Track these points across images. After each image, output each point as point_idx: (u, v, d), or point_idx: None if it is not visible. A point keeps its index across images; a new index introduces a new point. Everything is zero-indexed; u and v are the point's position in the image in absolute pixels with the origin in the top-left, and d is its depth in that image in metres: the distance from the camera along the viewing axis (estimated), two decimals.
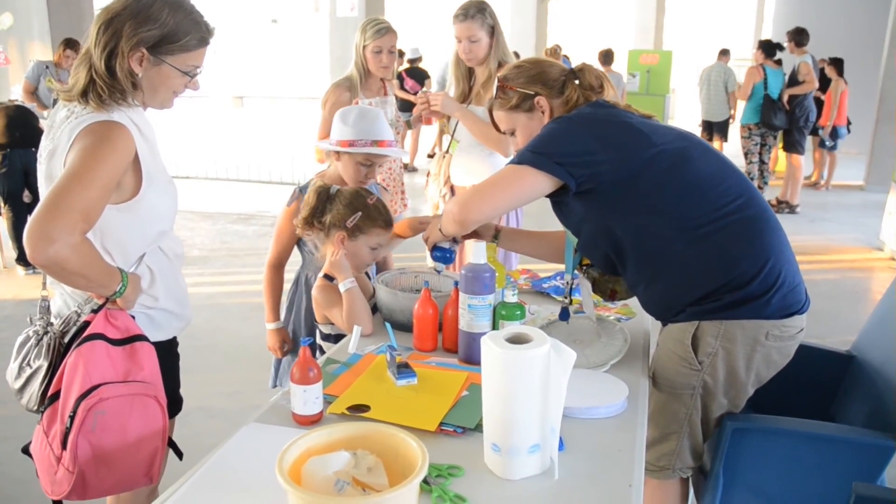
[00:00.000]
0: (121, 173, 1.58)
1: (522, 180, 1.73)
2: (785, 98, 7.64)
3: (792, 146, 7.87)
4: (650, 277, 1.80)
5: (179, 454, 1.79)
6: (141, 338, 1.63)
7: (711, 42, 9.08)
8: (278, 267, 2.49)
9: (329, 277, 2.13)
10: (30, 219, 1.44)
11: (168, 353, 1.82)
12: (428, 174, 3.48)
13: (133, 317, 1.67)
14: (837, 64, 8.91)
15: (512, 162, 1.76)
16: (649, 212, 1.74)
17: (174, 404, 1.87)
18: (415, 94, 8.81)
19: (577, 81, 1.87)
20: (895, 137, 8.23)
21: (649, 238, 1.76)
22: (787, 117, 7.70)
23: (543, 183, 1.73)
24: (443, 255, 2.06)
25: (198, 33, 1.64)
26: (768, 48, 7.67)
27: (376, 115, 2.36)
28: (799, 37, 7.64)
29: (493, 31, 3.02)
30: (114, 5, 1.59)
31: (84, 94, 1.59)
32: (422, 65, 10.34)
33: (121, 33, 1.56)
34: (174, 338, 1.87)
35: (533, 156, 1.72)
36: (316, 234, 2.17)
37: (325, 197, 2.15)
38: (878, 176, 8.76)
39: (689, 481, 1.99)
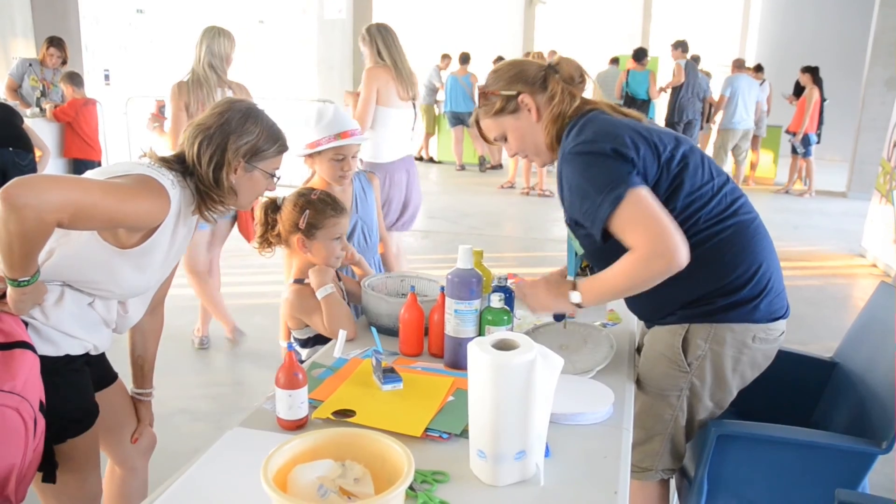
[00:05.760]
0: (131, 224, 1.60)
1: (643, 199, 1.64)
2: (654, 96, 9.07)
3: None
4: None
5: (53, 479, 1.68)
6: (25, 345, 1.55)
7: (698, 48, 9.28)
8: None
9: (300, 280, 2.13)
10: (44, 172, 1.42)
11: (64, 369, 1.69)
12: None
13: (26, 324, 1.60)
14: (813, 72, 9.04)
15: (614, 201, 1.63)
16: None
17: (78, 422, 1.74)
18: None
19: (556, 75, 1.85)
20: (877, 145, 8.33)
21: None
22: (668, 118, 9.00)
23: (648, 191, 1.65)
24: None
25: (280, 140, 1.81)
26: (637, 54, 9.28)
27: (334, 109, 2.44)
28: (678, 45, 9.14)
29: None
30: (207, 121, 1.73)
31: (164, 160, 1.70)
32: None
33: (225, 146, 1.71)
34: (74, 355, 1.73)
35: (622, 178, 1.63)
36: (275, 247, 2.20)
37: (272, 210, 2.18)
38: (860, 183, 8.88)
39: (668, 484, 2.00)
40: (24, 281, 1.51)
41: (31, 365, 1.55)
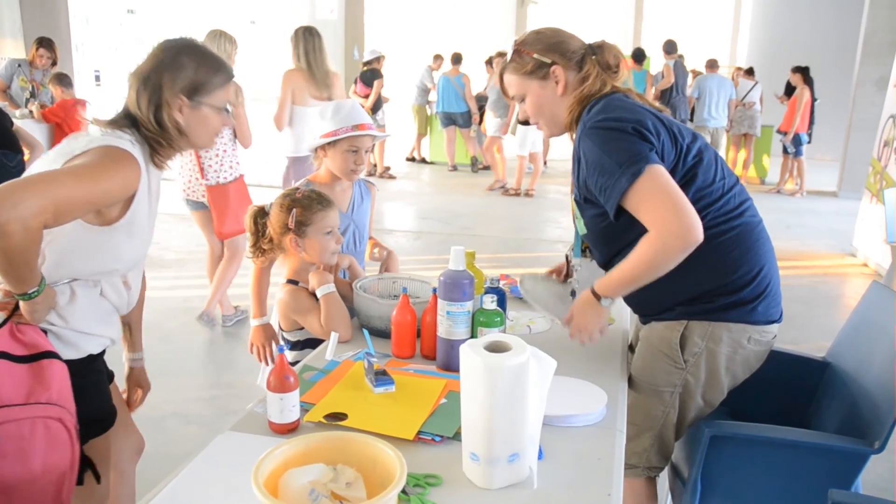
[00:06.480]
0: (111, 200, 1.57)
1: (661, 176, 1.63)
2: (650, 95, 9.34)
3: None
4: None
5: (97, 477, 1.71)
6: (50, 354, 1.55)
7: (689, 48, 9.37)
8: (268, 264, 2.48)
9: (293, 281, 2.12)
10: (9, 181, 1.39)
11: (86, 370, 1.70)
12: None
13: (45, 332, 1.59)
14: (803, 72, 9.09)
15: (632, 176, 1.62)
16: None
17: (100, 422, 1.76)
18: (365, 97, 8.90)
19: (594, 58, 1.84)
20: (867, 145, 8.38)
21: None
22: None
23: (664, 168, 1.65)
24: None
25: (224, 71, 1.74)
26: (636, 56, 9.83)
27: (352, 103, 2.45)
28: (667, 46, 9.53)
29: None
30: (143, 66, 1.67)
31: (113, 122, 1.65)
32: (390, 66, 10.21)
33: (161, 86, 1.65)
34: (95, 354, 1.74)
35: (642, 155, 1.63)
36: (272, 254, 2.19)
37: (260, 216, 2.17)
38: (851, 182, 8.93)
39: (655, 483, 2.00)
40: (33, 292, 1.51)
41: (61, 373, 1.55)
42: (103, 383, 1.81)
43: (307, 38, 4.44)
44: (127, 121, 1.67)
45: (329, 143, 2.38)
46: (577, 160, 1.82)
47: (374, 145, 2.57)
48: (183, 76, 1.66)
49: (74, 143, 1.60)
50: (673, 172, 1.70)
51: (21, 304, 1.53)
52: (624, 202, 1.66)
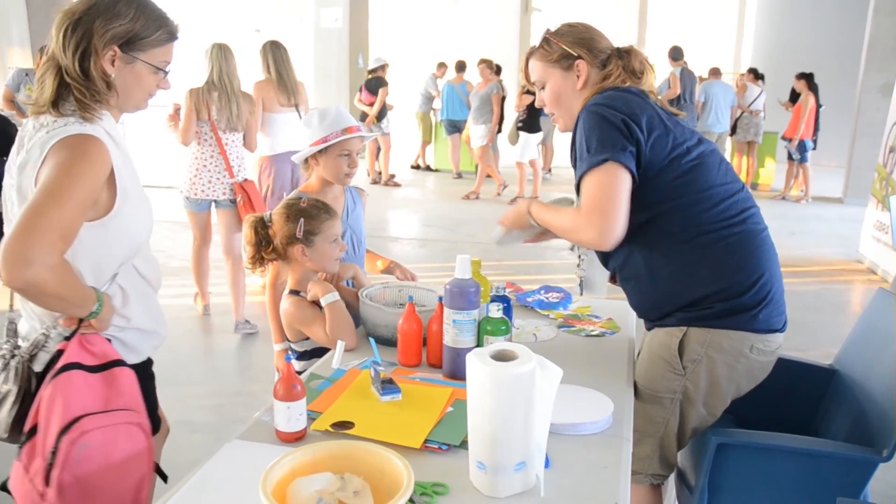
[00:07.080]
0: (98, 190, 1.53)
1: (615, 176, 1.68)
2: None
3: None
4: (646, 273, 1.81)
5: (164, 478, 1.73)
6: (119, 363, 1.58)
7: (693, 55, 9.36)
8: (278, 283, 2.48)
9: (296, 292, 2.13)
10: (3, 241, 1.38)
11: (143, 374, 1.73)
12: None
13: (109, 340, 1.61)
14: (808, 78, 9.10)
15: (592, 164, 1.69)
16: (659, 210, 1.76)
17: (152, 425, 1.78)
18: (369, 105, 8.99)
19: (620, 61, 1.87)
20: (872, 151, 8.36)
21: (652, 235, 1.78)
22: None
23: (627, 174, 1.69)
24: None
25: (167, 28, 1.62)
26: None
27: (336, 108, 2.46)
28: (674, 53, 9.28)
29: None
30: (76, 7, 1.55)
31: (55, 104, 1.55)
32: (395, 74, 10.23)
33: (91, 31, 1.53)
34: (148, 358, 1.79)
35: (612, 148, 1.68)
36: (272, 265, 2.20)
37: (262, 227, 2.17)
38: (857, 189, 8.90)
39: (660, 491, 1.99)
40: (96, 308, 1.54)
41: (130, 379, 1.59)
42: (154, 388, 1.84)
43: (275, 51, 4.80)
44: (58, 88, 1.55)
45: (320, 151, 2.38)
46: (572, 141, 1.86)
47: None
48: (118, 24, 1.54)
49: (26, 155, 1.54)
50: (666, 172, 1.74)
51: (92, 323, 1.56)
52: (581, 184, 1.74)
